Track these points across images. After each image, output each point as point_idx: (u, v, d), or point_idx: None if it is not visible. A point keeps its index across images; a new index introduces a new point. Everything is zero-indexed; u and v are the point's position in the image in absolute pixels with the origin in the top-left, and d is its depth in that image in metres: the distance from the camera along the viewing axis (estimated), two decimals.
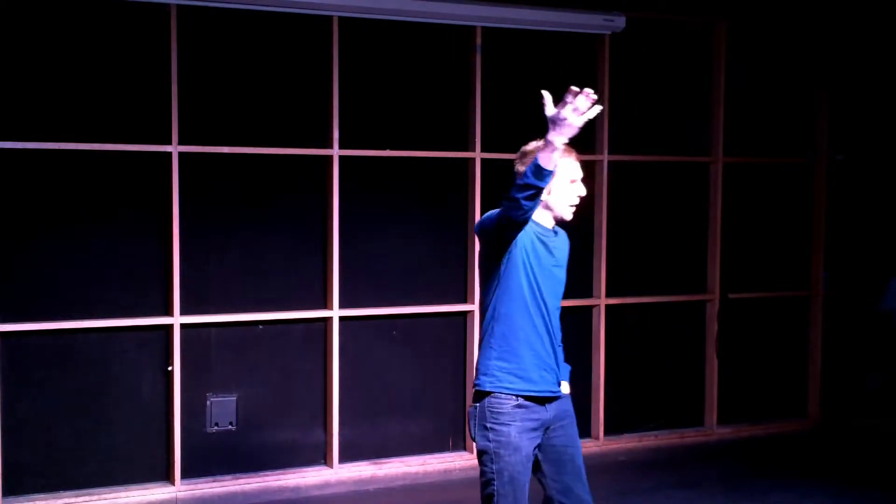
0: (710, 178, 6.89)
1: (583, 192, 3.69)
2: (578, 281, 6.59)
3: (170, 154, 5.46)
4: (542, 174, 3.29)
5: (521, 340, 3.61)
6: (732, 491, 5.96)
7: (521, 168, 3.66)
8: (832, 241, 7.22)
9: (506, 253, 3.57)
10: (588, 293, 6.58)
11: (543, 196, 3.56)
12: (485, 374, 3.63)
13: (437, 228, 6.21)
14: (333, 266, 5.85)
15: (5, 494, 5.21)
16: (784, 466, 6.47)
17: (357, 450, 6.02)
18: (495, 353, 3.62)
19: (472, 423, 3.67)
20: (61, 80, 5.35)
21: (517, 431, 3.57)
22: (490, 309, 3.65)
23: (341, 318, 5.90)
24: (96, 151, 5.38)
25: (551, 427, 3.67)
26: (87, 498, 5.38)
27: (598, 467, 6.41)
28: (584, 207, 6.45)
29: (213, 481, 5.66)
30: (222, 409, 5.72)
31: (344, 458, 5.95)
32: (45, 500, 5.31)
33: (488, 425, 3.60)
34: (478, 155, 6.18)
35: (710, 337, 6.92)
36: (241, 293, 5.75)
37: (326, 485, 5.89)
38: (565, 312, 6.64)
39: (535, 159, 3.31)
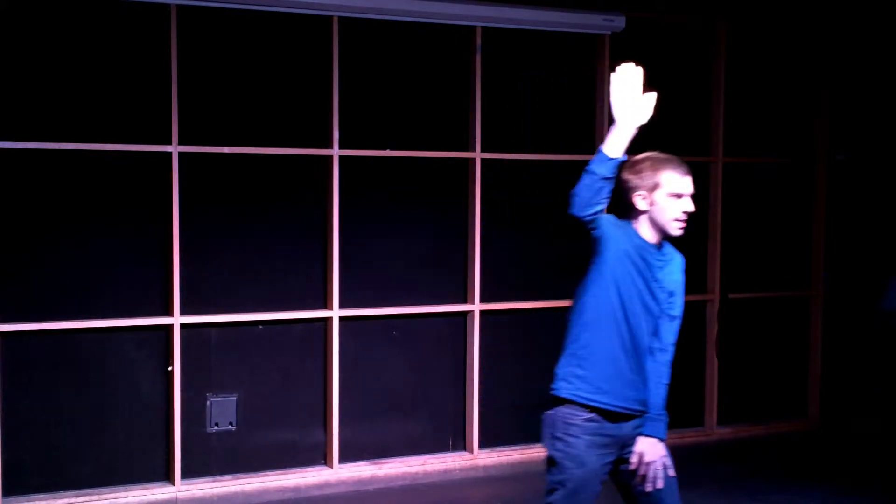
0: (710, 178, 6.89)
1: (690, 207, 3.51)
2: (577, 281, 6.58)
3: (170, 154, 5.46)
4: (600, 160, 3.32)
5: (604, 350, 3.48)
6: (732, 491, 5.96)
7: (628, 176, 3.52)
8: (832, 241, 7.22)
9: (598, 253, 3.45)
10: None
11: (645, 207, 3.49)
12: (563, 380, 3.52)
13: (437, 228, 6.21)
14: (333, 266, 5.85)
15: (5, 494, 5.21)
16: (784, 466, 6.47)
17: (357, 450, 6.02)
18: (575, 361, 3.50)
19: (543, 429, 3.56)
20: (61, 81, 5.35)
21: (586, 445, 3.47)
22: (576, 314, 3.56)
23: (341, 318, 5.90)
24: (96, 151, 5.38)
25: (628, 445, 3.55)
26: (87, 498, 5.38)
27: None
28: None
29: (213, 481, 5.66)
30: (222, 409, 5.72)
31: (344, 458, 5.95)
32: (45, 500, 5.31)
33: (558, 434, 3.50)
34: (478, 155, 6.18)
35: (710, 337, 6.92)
36: (241, 293, 5.75)
37: (326, 485, 5.88)
38: (565, 313, 6.66)
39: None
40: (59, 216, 5.37)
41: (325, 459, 5.97)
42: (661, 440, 3.55)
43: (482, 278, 6.24)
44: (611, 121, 6.56)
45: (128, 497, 5.45)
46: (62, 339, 5.39)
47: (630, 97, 3.33)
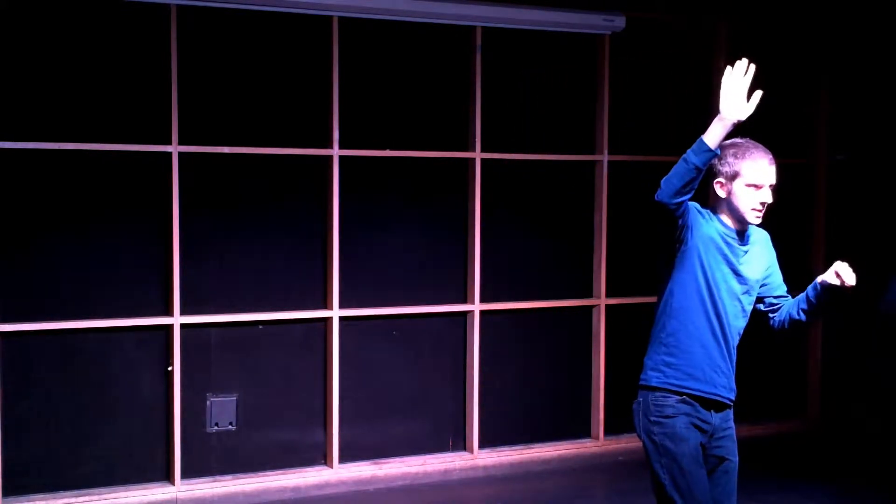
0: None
1: (768, 199, 3.48)
2: (577, 281, 6.59)
3: (170, 154, 5.46)
4: (699, 149, 3.22)
5: (692, 337, 3.49)
6: None
7: (712, 162, 3.40)
8: (832, 241, 7.22)
9: (682, 241, 3.43)
10: (588, 293, 6.58)
11: (723, 194, 3.48)
12: (652, 370, 3.54)
13: (437, 228, 6.21)
14: (333, 266, 5.85)
15: (5, 494, 5.21)
16: (784, 466, 6.47)
17: (357, 450, 6.02)
18: (665, 349, 3.52)
19: (635, 418, 3.57)
20: (61, 80, 5.35)
21: (683, 424, 3.48)
22: (662, 303, 3.55)
23: (341, 318, 5.90)
24: (96, 151, 5.38)
25: (715, 436, 3.59)
26: (87, 498, 5.37)
27: (598, 467, 6.43)
28: (584, 207, 6.53)
29: (213, 481, 5.66)
30: (222, 409, 5.72)
31: (344, 458, 5.95)
32: (45, 500, 5.31)
33: (652, 419, 3.50)
34: (478, 155, 6.18)
35: None
36: (241, 293, 5.75)
37: (326, 485, 5.89)
38: (565, 313, 6.67)
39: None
40: (59, 216, 5.37)
41: (325, 459, 5.97)
42: None
43: (482, 278, 6.24)
44: (613, 119, 6.60)
45: (128, 497, 5.45)
46: (62, 339, 5.39)
47: (739, 92, 3.25)
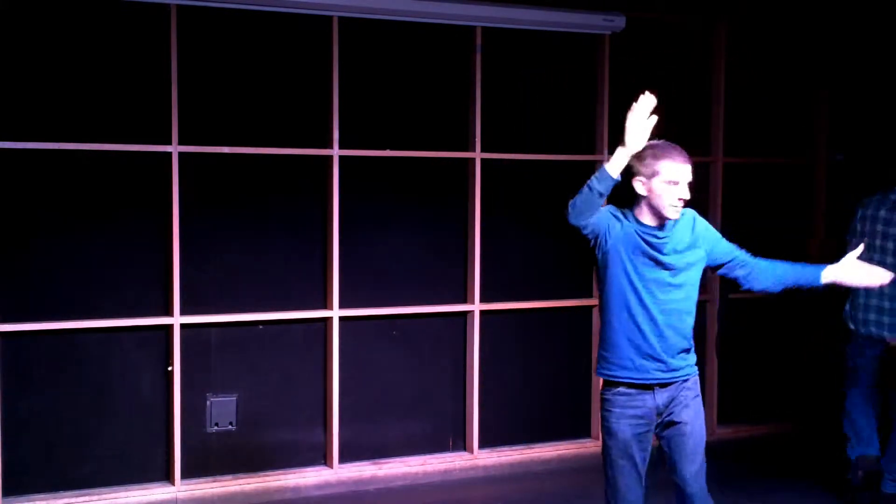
0: (710, 178, 6.89)
1: (686, 195, 3.81)
2: (577, 281, 6.59)
3: (170, 154, 5.46)
4: (601, 177, 3.63)
5: (618, 332, 3.84)
6: (732, 491, 5.95)
7: (631, 162, 3.75)
8: (831, 241, 7.21)
9: (600, 246, 3.80)
10: (588, 293, 6.58)
11: (643, 192, 3.78)
12: (598, 363, 3.95)
13: (437, 228, 6.21)
14: (333, 266, 5.85)
15: (5, 494, 5.21)
16: (784, 466, 6.47)
17: (357, 450, 6.03)
18: (602, 345, 3.92)
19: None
20: (61, 80, 5.35)
21: (615, 418, 3.87)
22: (600, 302, 3.94)
23: (341, 318, 5.90)
24: (96, 151, 5.39)
25: (665, 410, 3.90)
26: (87, 498, 5.38)
27: (599, 467, 6.39)
28: None
29: (213, 481, 5.67)
30: (222, 409, 5.72)
31: (344, 458, 5.96)
32: (45, 500, 5.31)
33: (602, 410, 3.94)
34: (478, 155, 6.18)
35: (711, 337, 6.92)
36: (241, 293, 5.75)
37: (326, 485, 5.89)
38: (565, 313, 6.65)
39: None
40: (59, 216, 5.37)
41: (325, 459, 5.97)
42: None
43: (482, 278, 6.24)
44: (613, 119, 6.58)
45: (128, 497, 5.46)
46: (62, 339, 5.39)
47: (643, 127, 3.66)
